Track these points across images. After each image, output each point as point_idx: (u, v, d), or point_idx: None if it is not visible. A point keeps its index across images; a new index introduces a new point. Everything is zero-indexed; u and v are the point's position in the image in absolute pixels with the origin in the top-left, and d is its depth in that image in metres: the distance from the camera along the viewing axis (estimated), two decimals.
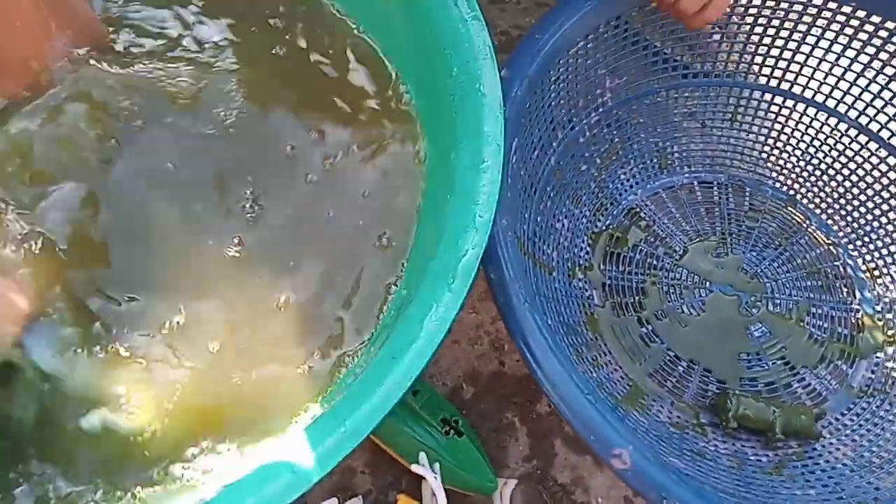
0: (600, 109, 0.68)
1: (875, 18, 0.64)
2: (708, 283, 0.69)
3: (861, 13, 0.64)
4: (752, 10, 0.67)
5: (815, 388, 0.65)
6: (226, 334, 0.44)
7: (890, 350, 0.67)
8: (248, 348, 0.44)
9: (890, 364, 0.66)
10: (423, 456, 0.55)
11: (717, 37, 0.69)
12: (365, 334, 0.46)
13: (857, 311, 0.69)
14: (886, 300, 0.69)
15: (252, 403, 0.43)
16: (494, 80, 0.44)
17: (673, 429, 0.60)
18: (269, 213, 0.48)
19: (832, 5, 0.64)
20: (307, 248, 0.48)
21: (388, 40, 0.55)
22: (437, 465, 0.54)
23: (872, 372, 0.66)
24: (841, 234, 0.72)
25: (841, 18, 0.65)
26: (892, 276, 0.69)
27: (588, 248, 0.69)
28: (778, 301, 0.69)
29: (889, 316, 0.68)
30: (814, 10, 0.65)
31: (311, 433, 0.36)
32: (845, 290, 0.70)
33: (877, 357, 0.66)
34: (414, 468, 0.54)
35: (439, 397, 0.60)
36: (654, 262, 0.70)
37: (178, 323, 0.44)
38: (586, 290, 0.67)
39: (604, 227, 0.70)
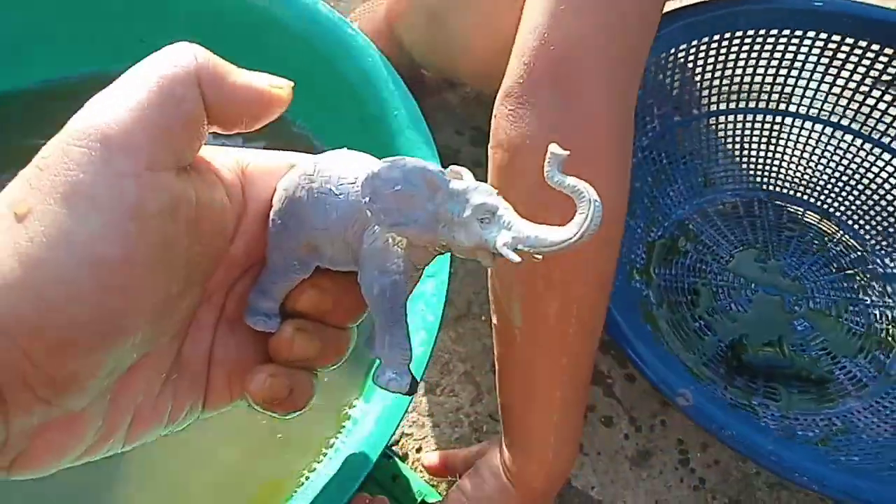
0: (650, 135, 0.79)
1: None
2: (753, 285, 0.78)
3: None
4: (780, 48, 0.78)
5: (857, 375, 0.72)
6: None
7: None
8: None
9: None
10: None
11: (749, 71, 0.80)
12: None
13: (893, 308, 0.77)
14: None
15: None
16: None
17: (728, 409, 0.68)
18: None
19: (849, 40, 0.75)
20: None
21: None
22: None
23: None
24: (872, 241, 0.81)
25: (869, 54, 0.75)
26: None
27: (643, 255, 0.78)
28: (818, 300, 0.77)
29: None
30: (833, 45, 0.76)
31: None
32: (879, 289, 0.78)
33: None
34: None
35: (420, 482, 0.62)
36: (704, 267, 0.79)
37: None
38: (644, 290, 0.76)
39: (657, 237, 0.80)
